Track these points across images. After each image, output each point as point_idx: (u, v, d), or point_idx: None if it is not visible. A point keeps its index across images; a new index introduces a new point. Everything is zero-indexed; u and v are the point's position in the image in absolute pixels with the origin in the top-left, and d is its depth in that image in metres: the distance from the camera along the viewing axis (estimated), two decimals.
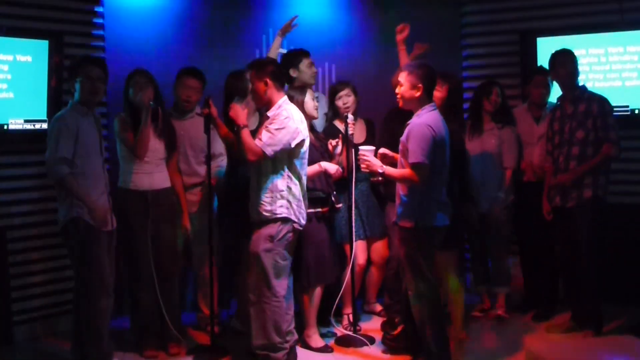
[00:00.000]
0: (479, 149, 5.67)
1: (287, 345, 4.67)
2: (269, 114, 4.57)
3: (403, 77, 4.55)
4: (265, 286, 4.56)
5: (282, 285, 4.62)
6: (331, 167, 5.06)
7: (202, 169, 5.35)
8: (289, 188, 4.56)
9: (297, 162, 4.61)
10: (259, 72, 4.62)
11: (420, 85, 4.48)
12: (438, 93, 4.93)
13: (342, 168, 5.22)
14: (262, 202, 4.56)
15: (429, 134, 4.39)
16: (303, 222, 4.68)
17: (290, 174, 4.58)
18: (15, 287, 5.45)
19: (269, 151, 4.45)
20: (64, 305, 5.66)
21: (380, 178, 4.55)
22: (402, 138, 4.54)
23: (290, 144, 4.51)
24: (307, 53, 5.62)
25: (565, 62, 5.23)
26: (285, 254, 4.62)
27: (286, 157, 4.55)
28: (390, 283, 5.59)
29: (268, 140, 4.44)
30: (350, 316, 5.47)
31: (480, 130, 5.73)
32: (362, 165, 4.55)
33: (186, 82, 5.34)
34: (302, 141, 4.61)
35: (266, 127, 4.50)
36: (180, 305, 5.34)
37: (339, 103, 5.53)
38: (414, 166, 4.38)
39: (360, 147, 4.61)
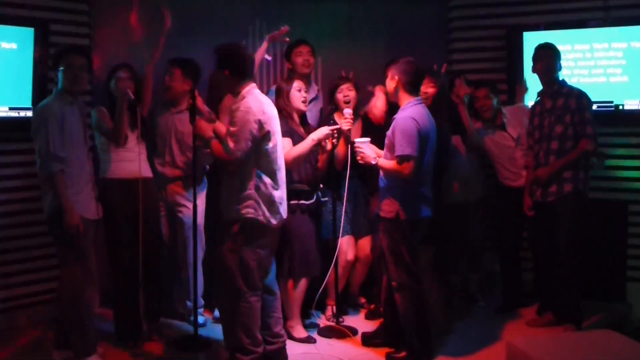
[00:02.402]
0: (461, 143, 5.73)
1: (258, 350, 4.50)
2: (233, 107, 4.42)
3: (389, 71, 4.67)
4: (231, 286, 4.42)
5: (251, 286, 4.44)
6: (321, 132, 4.93)
7: (186, 163, 5.35)
8: (257, 188, 4.39)
9: (267, 159, 4.42)
10: (219, 60, 4.49)
11: (396, 77, 4.59)
12: (431, 89, 4.99)
13: (333, 162, 5.23)
14: (231, 202, 4.41)
15: (413, 126, 4.44)
16: (274, 222, 4.46)
17: (259, 173, 4.40)
18: None
19: (239, 154, 4.29)
20: (45, 294, 5.65)
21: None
22: (388, 132, 4.58)
23: (256, 136, 4.32)
24: (297, 42, 5.75)
25: (543, 56, 5.26)
26: (254, 254, 4.44)
27: (254, 156, 4.37)
28: (379, 273, 5.60)
29: (234, 145, 4.28)
30: (334, 307, 5.49)
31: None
32: (358, 157, 4.60)
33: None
34: (267, 133, 4.40)
35: (228, 127, 4.35)
36: (163, 296, 5.35)
37: (340, 96, 5.49)
38: (402, 158, 4.43)
39: (356, 139, 4.66)
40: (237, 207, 4.38)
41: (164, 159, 5.36)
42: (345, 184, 5.10)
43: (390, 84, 4.64)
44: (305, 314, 5.42)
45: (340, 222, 5.23)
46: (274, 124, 4.49)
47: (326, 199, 5.25)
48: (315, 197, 5.13)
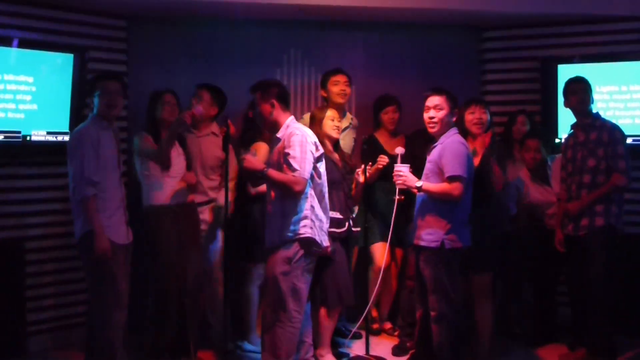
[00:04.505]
0: (513, 175, 5.69)
1: None
2: (279, 135, 4.50)
3: (442, 101, 4.60)
4: (281, 310, 4.41)
5: (299, 311, 4.46)
6: None
7: (211, 188, 5.39)
8: (312, 207, 4.46)
9: (318, 181, 4.53)
10: (264, 93, 4.53)
11: (456, 110, 4.64)
12: (485, 116, 5.02)
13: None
14: (286, 224, 4.42)
15: (464, 150, 4.50)
16: (325, 244, 4.55)
17: (312, 193, 4.48)
18: (30, 298, 5.48)
19: (307, 175, 4.37)
20: (78, 317, 5.70)
21: (402, 197, 4.68)
22: (432, 157, 4.59)
23: (315, 157, 4.44)
24: (335, 71, 5.73)
25: (576, 90, 5.21)
26: (304, 278, 4.48)
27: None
28: (405, 304, 5.57)
29: (300, 166, 4.33)
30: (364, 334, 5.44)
31: (512, 158, 5.81)
32: (398, 182, 4.58)
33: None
34: (321, 155, 4.54)
35: (286, 153, 4.39)
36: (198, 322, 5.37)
37: (386, 117, 5.79)
38: (453, 179, 4.43)
39: (395, 165, 4.64)
40: (294, 228, 4.41)
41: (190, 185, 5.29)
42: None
43: (450, 117, 4.62)
44: (334, 343, 5.39)
45: (390, 231, 5.01)
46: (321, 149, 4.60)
47: (358, 228, 5.24)
48: (347, 225, 5.11)
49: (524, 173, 5.76)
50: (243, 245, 5.30)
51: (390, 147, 5.65)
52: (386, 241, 5.26)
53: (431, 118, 4.61)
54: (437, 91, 4.65)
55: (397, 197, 4.80)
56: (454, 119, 4.66)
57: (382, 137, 5.82)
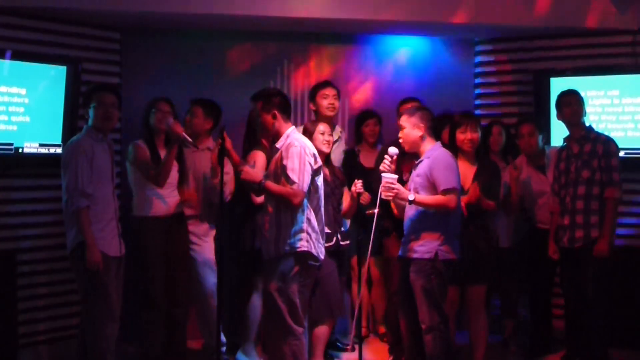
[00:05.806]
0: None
1: None
2: (278, 145, 4.48)
3: (404, 120, 4.65)
4: (281, 327, 4.40)
5: (299, 324, 4.43)
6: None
7: (200, 202, 5.36)
8: (308, 220, 4.42)
9: (316, 195, 4.49)
10: (266, 104, 4.50)
11: (421, 125, 4.58)
12: (476, 135, 5.02)
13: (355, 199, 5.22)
14: (282, 236, 4.39)
15: (453, 161, 4.52)
16: (322, 257, 4.51)
17: (309, 206, 4.44)
18: (21, 310, 5.45)
19: (305, 187, 4.34)
20: (70, 329, 5.66)
21: (377, 210, 4.63)
22: (421, 171, 4.58)
23: (313, 169, 4.41)
24: (323, 84, 5.74)
25: (570, 102, 5.24)
26: (301, 293, 4.43)
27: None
28: (392, 319, 5.54)
29: (298, 178, 4.30)
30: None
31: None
32: (389, 194, 4.49)
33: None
34: (319, 168, 4.51)
35: (284, 165, 4.35)
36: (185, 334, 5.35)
37: (367, 130, 5.88)
38: (448, 192, 4.42)
39: (384, 175, 4.54)
40: (291, 241, 4.38)
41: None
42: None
43: (415, 132, 4.60)
44: (328, 356, 5.38)
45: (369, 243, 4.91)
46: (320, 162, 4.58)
47: (347, 242, 5.23)
48: (335, 239, 5.10)
49: (521, 159, 5.75)
50: (248, 256, 5.28)
51: (369, 161, 5.65)
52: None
53: (399, 138, 4.71)
54: (404, 111, 4.74)
55: (376, 209, 4.70)
56: (420, 134, 4.60)
57: (362, 150, 5.81)
